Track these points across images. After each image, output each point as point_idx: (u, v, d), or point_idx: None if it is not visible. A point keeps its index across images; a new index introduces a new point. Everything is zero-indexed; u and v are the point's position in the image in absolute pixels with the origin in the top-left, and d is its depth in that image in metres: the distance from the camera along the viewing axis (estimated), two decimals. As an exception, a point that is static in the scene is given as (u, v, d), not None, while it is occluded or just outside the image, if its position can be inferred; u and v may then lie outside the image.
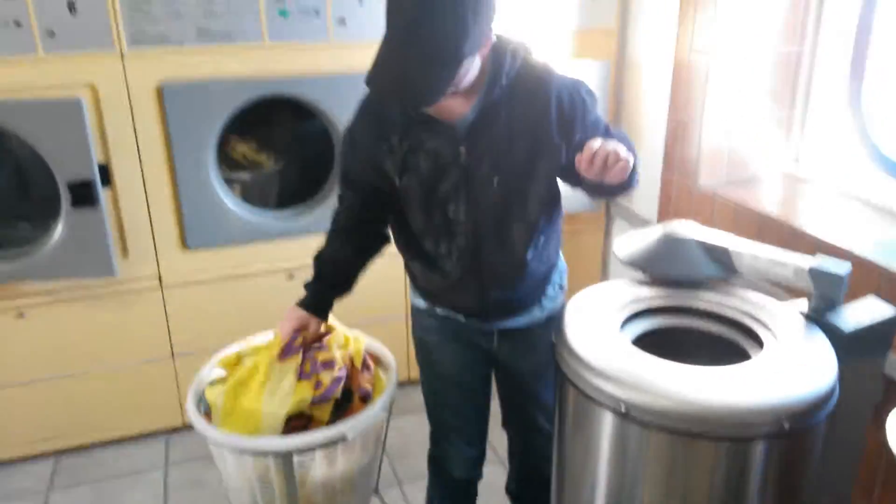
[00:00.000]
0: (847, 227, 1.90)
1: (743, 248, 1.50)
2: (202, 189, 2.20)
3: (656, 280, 1.57)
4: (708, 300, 1.49)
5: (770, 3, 2.15)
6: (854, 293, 1.64)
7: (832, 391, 1.22)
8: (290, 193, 2.51)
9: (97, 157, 2.06)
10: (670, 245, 1.58)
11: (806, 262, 1.42)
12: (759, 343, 1.36)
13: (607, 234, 2.85)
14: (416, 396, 2.04)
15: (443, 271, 1.49)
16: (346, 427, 1.40)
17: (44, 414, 2.33)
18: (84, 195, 2.00)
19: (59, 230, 2.05)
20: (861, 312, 1.39)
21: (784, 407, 1.15)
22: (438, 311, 1.61)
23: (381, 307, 2.54)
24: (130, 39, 2.03)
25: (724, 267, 1.54)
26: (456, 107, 1.36)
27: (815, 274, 1.40)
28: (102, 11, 1.97)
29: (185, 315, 2.35)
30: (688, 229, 1.59)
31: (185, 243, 2.25)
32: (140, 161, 2.14)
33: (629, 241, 1.65)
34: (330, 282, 1.53)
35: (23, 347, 2.23)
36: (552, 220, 1.55)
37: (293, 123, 2.49)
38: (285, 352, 1.45)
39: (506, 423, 1.83)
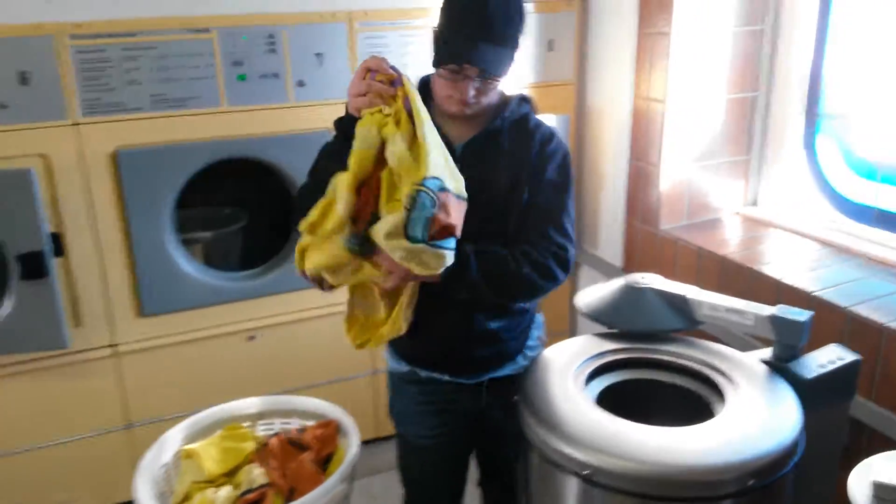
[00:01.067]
0: (808, 269, 1.90)
1: (703, 297, 1.49)
2: (158, 255, 2.15)
3: (620, 333, 1.55)
4: (671, 352, 1.47)
5: (723, 51, 2.19)
6: (817, 335, 1.63)
7: (796, 443, 1.20)
8: (254, 252, 2.47)
9: (50, 225, 2.01)
10: (631, 297, 1.57)
11: (767, 310, 1.41)
12: (722, 395, 1.33)
13: (573, 281, 2.84)
14: (385, 455, 1.96)
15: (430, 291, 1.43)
16: None
17: (-8, 493, 2.22)
18: (34, 267, 1.94)
19: (8, 304, 1.98)
20: (823, 359, 1.38)
21: (748, 464, 1.13)
22: (422, 374, 1.56)
23: (346, 367, 2.49)
24: (84, 109, 2.00)
25: (685, 317, 1.52)
26: (465, 130, 1.44)
27: (776, 322, 1.39)
28: (56, 82, 1.95)
29: (141, 382, 2.27)
30: (648, 280, 1.58)
31: (140, 310, 2.19)
32: (95, 229, 2.09)
33: (591, 294, 1.64)
34: None
35: (-32, 424, 2.13)
36: None
37: (254, 181, 2.47)
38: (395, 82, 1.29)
39: (483, 483, 1.77)
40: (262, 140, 2.18)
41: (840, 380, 1.36)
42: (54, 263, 2.01)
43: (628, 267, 2.48)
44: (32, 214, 1.92)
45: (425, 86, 1.45)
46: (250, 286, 2.33)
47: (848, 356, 1.38)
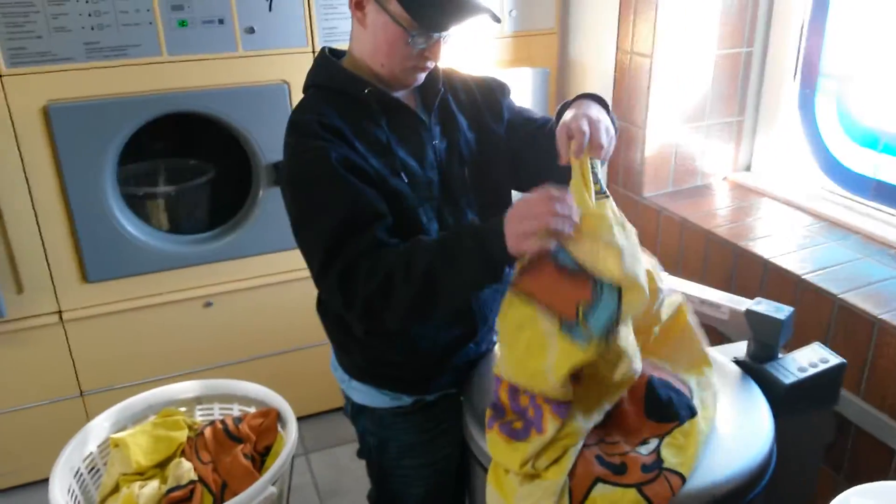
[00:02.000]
0: (798, 247, 1.75)
1: (675, 287, 1.35)
2: (101, 217, 1.99)
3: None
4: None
5: (714, 2, 1.98)
6: (804, 324, 1.49)
7: (766, 464, 1.07)
8: (220, 211, 2.31)
9: (-21, 186, 1.86)
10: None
11: (743, 304, 1.27)
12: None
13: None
14: (352, 426, 1.82)
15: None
16: (228, 508, 1.23)
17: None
18: (-40, 233, 1.80)
19: (-64, 271, 1.84)
20: (804, 361, 1.25)
21: (710, 491, 1.00)
22: (430, 398, 1.32)
23: (308, 335, 2.37)
24: (10, 59, 1.82)
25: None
26: (409, 100, 1.25)
27: (752, 318, 1.25)
28: (-27, 28, 1.76)
29: (92, 351, 2.15)
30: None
31: (85, 276, 2.05)
32: (29, 190, 1.94)
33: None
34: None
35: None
36: None
37: (210, 135, 2.29)
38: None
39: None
40: (207, 93, 2.00)
41: (822, 385, 1.23)
42: (-15, 228, 1.86)
43: (609, 234, 2.33)
44: (-46, 176, 1.77)
45: (334, 69, 1.20)
46: (205, 250, 2.18)
47: (832, 359, 1.24)
